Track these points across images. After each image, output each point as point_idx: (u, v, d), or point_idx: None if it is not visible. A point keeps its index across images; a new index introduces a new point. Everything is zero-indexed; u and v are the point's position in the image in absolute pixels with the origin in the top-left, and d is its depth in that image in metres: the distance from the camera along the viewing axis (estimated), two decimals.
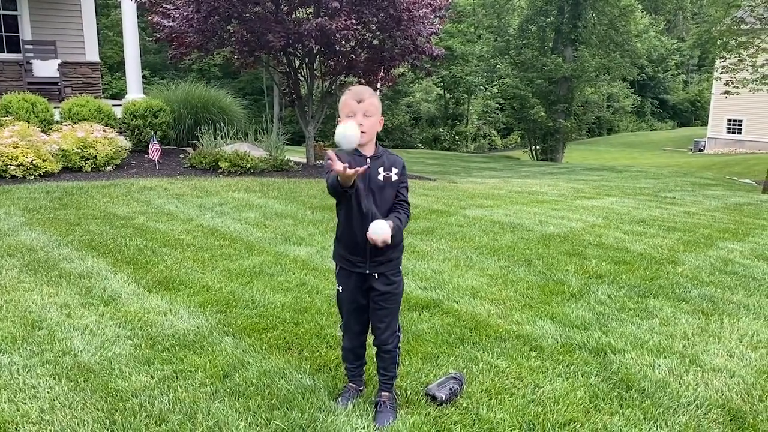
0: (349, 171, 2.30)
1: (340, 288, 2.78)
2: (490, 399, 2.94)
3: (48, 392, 2.86)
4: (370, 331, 2.86)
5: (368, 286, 2.72)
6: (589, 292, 4.47)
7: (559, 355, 3.42)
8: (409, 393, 2.96)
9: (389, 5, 9.35)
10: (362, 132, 2.50)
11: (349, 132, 2.36)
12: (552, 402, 2.93)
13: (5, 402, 2.77)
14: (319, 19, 9.22)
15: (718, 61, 19.95)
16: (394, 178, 2.62)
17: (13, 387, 2.91)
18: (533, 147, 28.64)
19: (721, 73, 17.76)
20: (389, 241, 2.51)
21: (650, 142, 43.76)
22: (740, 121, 35.19)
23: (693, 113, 56.96)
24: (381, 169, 2.60)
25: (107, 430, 2.57)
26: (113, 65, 30.78)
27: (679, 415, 2.86)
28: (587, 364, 3.33)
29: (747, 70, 16.84)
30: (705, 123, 40.91)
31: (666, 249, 5.85)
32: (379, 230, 2.49)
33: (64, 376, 3.02)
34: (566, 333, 3.72)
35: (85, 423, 2.61)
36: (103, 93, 14.03)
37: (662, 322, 3.98)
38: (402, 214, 2.62)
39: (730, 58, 17.35)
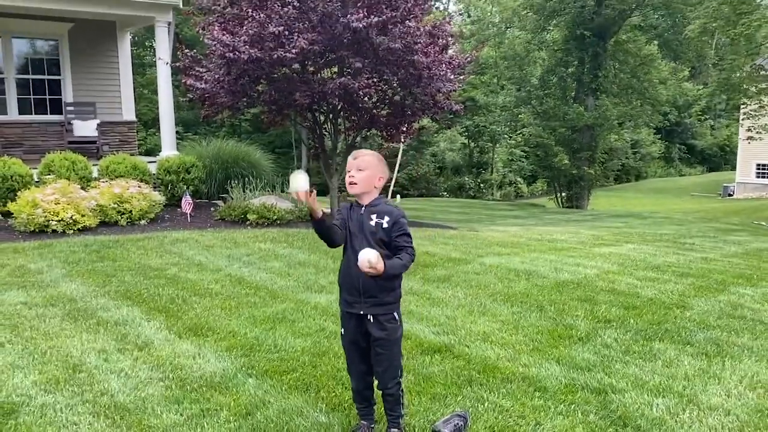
0: (305, 199, 2.82)
1: (342, 330, 3.09)
2: None
3: (88, 428, 3.16)
4: None
5: (365, 330, 3.00)
6: (596, 336, 4.66)
7: (561, 395, 3.61)
8: (416, 430, 3.19)
9: (409, 64, 9.81)
10: (354, 183, 2.94)
11: (294, 178, 2.84)
12: None
13: None
14: (343, 78, 9.71)
15: (743, 107, 20.09)
16: (385, 225, 2.93)
17: (57, 423, 3.21)
18: (558, 194, 28.79)
19: (743, 119, 17.88)
20: (376, 267, 2.75)
21: (679, 187, 43.49)
22: None
23: (722, 158, 56.56)
24: (374, 216, 2.96)
25: None
26: (148, 122, 31.95)
27: None
28: (588, 403, 3.52)
29: None
30: (735, 168, 40.67)
31: (677, 294, 6.00)
32: (364, 253, 2.76)
33: (103, 414, 3.31)
34: (570, 374, 3.91)
35: None
36: (138, 149, 14.71)
37: (665, 363, 4.14)
38: (403, 255, 2.91)
39: (750, 105, 17.49)
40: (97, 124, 12.65)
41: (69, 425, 3.19)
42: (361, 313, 2.98)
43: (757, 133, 17.58)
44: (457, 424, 3.16)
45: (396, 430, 3.06)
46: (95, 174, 10.41)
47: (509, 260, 7.52)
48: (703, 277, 6.86)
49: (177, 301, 5.44)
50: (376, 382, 3.12)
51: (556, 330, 4.80)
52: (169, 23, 11.87)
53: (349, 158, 3.01)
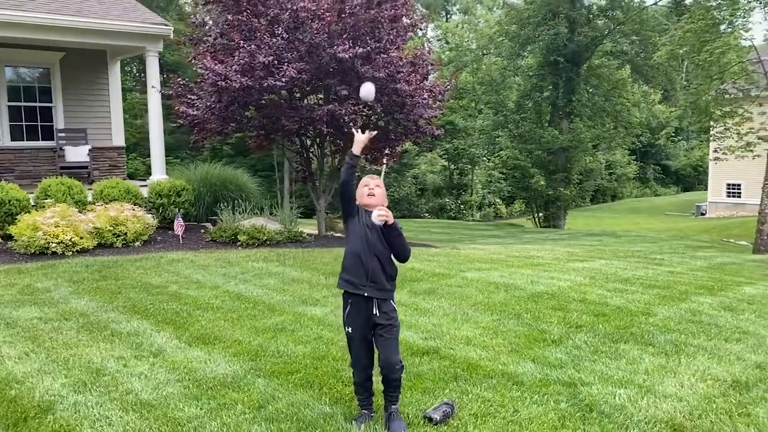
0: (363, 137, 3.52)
1: (350, 329, 3.58)
2: (476, 420, 3.61)
3: (120, 420, 3.57)
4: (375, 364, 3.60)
5: (373, 323, 3.48)
6: (568, 339, 5.15)
7: (536, 388, 4.09)
8: (410, 417, 3.64)
9: (392, 92, 10.37)
10: (373, 195, 3.57)
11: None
12: (527, 422, 3.60)
13: (88, 428, 3.48)
14: (330, 105, 10.23)
15: (712, 129, 20.93)
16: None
17: (91, 417, 3.61)
18: (536, 214, 29.55)
19: (709, 140, 18.70)
20: (388, 214, 3.40)
21: (654, 207, 44.57)
22: (739, 185, 36.07)
23: (696, 178, 58.09)
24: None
25: None
26: (129, 146, 32.12)
27: (630, 430, 3.52)
28: (559, 394, 4.00)
29: (732, 138, 17.77)
30: (707, 188, 41.89)
31: (642, 303, 6.53)
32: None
33: (130, 409, 3.72)
34: (544, 371, 4.40)
35: None
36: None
37: (628, 361, 4.65)
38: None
39: (716, 127, 18.33)
40: (89, 150, 13.01)
41: (102, 418, 3.60)
42: (365, 294, 3.48)
43: (723, 154, 18.39)
44: (445, 410, 3.63)
45: (395, 405, 3.54)
46: (89, 198, 10.77)
47: (489, 274, 8.02)
48: (668, 288, 7.41)
49: (182, 314, 5.85)
50: (375, 373, 3.60)
51: (531, 334, 5.29)
52: (159, 52, 12.35)
53: (366, 178, 3.64)
